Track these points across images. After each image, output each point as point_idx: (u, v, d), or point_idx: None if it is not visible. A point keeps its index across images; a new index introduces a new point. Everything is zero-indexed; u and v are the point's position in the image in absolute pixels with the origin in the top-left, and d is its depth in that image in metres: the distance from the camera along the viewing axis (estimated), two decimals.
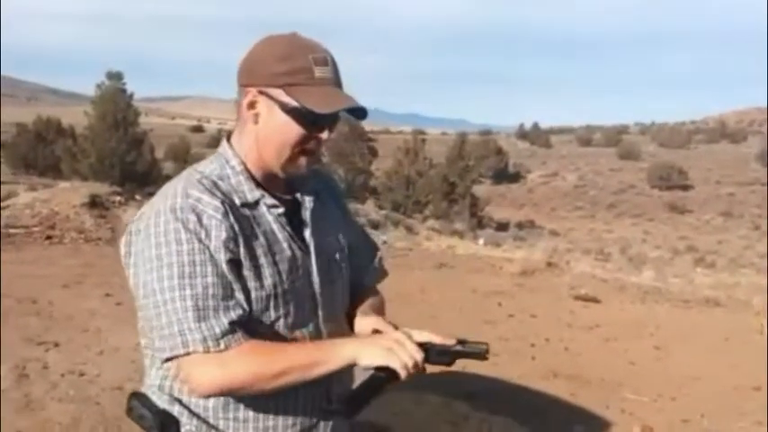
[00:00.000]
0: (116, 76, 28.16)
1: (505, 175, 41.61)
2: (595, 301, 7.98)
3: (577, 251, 18.44)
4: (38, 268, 6.75)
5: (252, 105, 1.29)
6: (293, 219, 1.35)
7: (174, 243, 1.22)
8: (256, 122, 1.30)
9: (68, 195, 10.21)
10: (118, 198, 11.20)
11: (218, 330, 1.20)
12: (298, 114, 1.26)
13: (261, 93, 1.28)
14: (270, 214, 1.32)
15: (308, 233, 1.35)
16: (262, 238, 1.29)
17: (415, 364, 1.23)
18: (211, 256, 1.22)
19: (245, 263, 1.25)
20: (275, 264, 1.29)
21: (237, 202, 1.29)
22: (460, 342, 1.32)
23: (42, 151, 28.64)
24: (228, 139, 1.36)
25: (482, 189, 32.05)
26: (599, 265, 14.26)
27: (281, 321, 1.31)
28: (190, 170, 1.34)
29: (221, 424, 1.31)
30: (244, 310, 1.24)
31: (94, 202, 10.06)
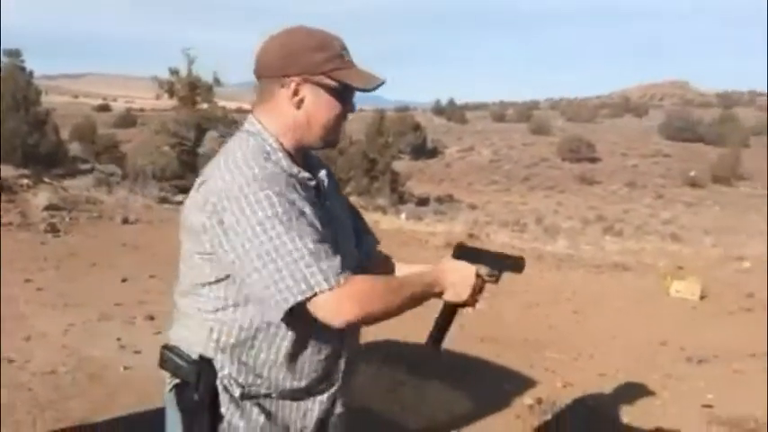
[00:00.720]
0: (14, 54, 26.54)
1: (424, 151, 42.14)
2: None
3: (495, 223, 19.02)
4: None
5: (296, 93, 1.46)
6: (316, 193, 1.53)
7: (269, 207, 1.35)
8: (299, 107, 1.48)
9: None
10: (26, 181, 10.69)
11: (334, 269, 1.35)
12: (340, 93, 1.48)
13: (305, 81, 1.46)
14: (300, 187, 1.45)
15: (328, 203, 1.54)
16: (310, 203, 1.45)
17: (479, 293, 1.54)
18: (302, 211, 1.38)
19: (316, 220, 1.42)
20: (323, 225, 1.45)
21: (289, 171, 1.46)
22: (504, 257, 1.58)
23: None
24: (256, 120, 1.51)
25: (402, 165, 32.34)
26: (516, 235, 14.80)
27: None
28: (241, 142, 1.48)
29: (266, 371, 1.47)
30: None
31: (1, 186, 9.57)
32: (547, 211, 25.95)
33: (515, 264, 1.57)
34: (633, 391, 4.34)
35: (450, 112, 62.10)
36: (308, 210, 1.39)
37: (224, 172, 1.41)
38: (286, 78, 1.46)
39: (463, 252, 1.58)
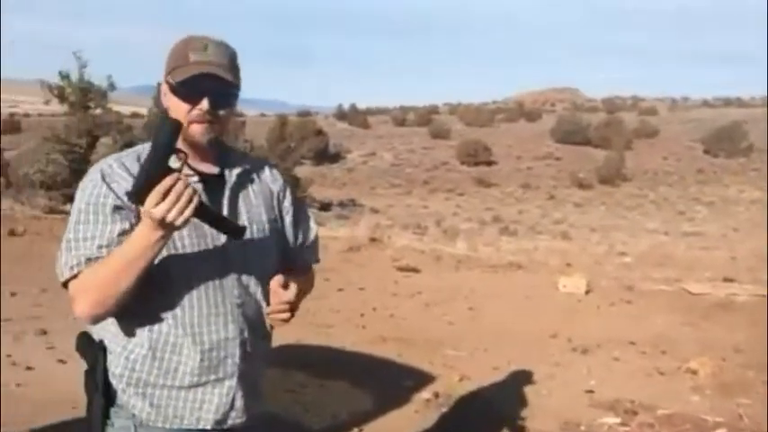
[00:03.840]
0: None
1: (326, 156, 42.13)
2: (416, 270, 8.59)
3: (397, 226, 19.34)
4: None
5: (162, 96, 1.59)
6: (215, 188, 1.59)
7: (78, 200, 1.58)
8: (167, 107, 1.58)
9: None
10: None
11: (70, 261, 1.51)
12: (174, 90, 1.54)
13: (165, 83, 1.57)
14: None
15: (224, 201, 1.60)
16: None
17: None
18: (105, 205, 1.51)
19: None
20: None
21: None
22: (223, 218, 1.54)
23: None
24: None
25: (304, 170, 32.23)
26: (417, 238, 15.15)
27: (182, 269, 1.53)
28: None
29: None
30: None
31: None
32: (447, 213, 26.65)
33: (235, 230, 1.53)
34: (523, 381, 4.64)
35: (353, 116, 62.46)
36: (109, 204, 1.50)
37: None
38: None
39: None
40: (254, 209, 1.65)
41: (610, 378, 4.90)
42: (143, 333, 1.53)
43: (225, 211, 1.58)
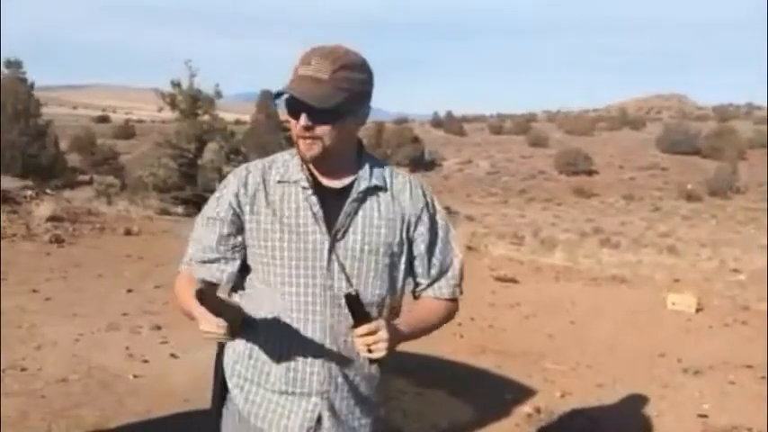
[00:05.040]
0: (15, 65, 26.67)
1: (422, 163, 42.29)
2: (514, 281, 8.42)
3: (493, 235, 19.12)
4: None
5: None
6: (337, 201, 1.57)
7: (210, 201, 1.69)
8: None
9: None
10: (30, 192, 10.78)
11: (187, 257, 1.64)
12: (287, 106, 1.52)
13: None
14: (302, 193, 1.56)
15: (341, 214, 1.57)
16: (274, 206, 1.57)
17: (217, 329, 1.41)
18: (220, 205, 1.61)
19: (247, 217, 1.58)
20: (276, 222, 1.56)
21: (277, 178, 1.59)
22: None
23: None
24: None
25: None
26: (514, 248, 14.89)
27: (281, 280, 1.56)
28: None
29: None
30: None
31: (5, 198, 9.66)
32: (544, 223, 26.06)
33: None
34: (630, 402, 4.43)
35: (449, 123, 62.37)
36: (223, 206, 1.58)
37: None
38: None
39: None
40: (373, 228, 1.58)
41: (725, 403, 4.60)
42: (244, 331, 1.56)
43: (337, 225, 1.55)
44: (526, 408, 4.18)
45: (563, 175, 40.27)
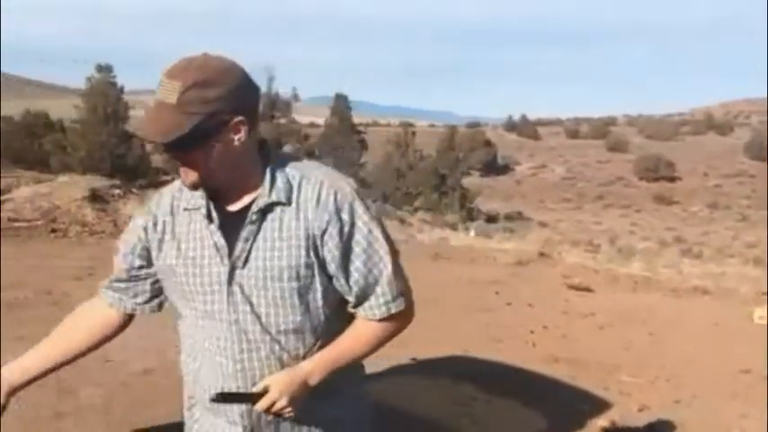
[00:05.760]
0: (106, 69, 28.04)
1: (494, 167, 41.91)
2: (589, 290, 8.22)
3: (567, 242, 18.72)
4: (47, 261, 6.87)
5: None
6: (238, 226, 1.43)
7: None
8: None
9: (68, 189, 10.28)
10: (117, 191, 11.31)
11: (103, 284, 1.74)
12: None
13: None
14: (204, 220, 1.47)
15: (238, 242, 1.43)
16: (179, 239, 1.50)
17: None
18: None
19: (154, 253, 1.55)
20: (180, 257, 1.49)
21: (183, 205, 1.51)
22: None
23: (31, 145, 28.54)
24: None
25: (471, 181, 32.25)
26: (589, 256, 14.53)
27: (187, 309, 1.52)
28: None
29: None
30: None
31: (95, 196, 10.15)
32: (622, 231, 25.36)
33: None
34: (712, 418, 4.26)
35: (523, 127, 61.50)
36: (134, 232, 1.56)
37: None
38: None
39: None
40: (274, 252, 1.40)
41: None
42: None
43: (236, 253, 1.42)
44: (601, 421, 4.07)
45: (643, 182, 39.07)
